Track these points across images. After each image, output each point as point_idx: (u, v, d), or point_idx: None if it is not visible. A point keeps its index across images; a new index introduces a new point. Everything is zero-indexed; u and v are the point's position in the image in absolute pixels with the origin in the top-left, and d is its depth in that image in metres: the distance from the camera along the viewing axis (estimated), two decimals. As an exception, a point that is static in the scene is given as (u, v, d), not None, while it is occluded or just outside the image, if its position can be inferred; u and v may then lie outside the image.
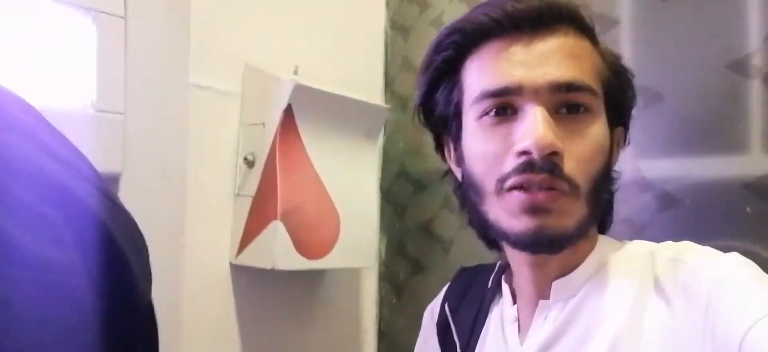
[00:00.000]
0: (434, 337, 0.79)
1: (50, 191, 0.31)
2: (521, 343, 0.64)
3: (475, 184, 0.61)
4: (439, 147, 0.71)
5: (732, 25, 0.91)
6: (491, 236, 0.65)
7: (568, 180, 0.56)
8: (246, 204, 1.07)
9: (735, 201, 0.89)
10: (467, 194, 0.64)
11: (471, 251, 1.19)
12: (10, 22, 0.81)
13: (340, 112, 1.12)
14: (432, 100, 0.67)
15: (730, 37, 0.91)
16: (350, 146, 1.15)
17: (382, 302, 1.33)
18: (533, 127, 0.55)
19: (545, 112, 0.56)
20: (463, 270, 0.81)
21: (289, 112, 1.03)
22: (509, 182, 0.57)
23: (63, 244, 0.30)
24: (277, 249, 1.01)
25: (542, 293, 0.64)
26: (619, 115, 0.64)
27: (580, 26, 0.61)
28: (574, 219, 0.57)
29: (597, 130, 0.59)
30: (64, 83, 0.86)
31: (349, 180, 1.14)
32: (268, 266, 1.01)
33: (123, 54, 0.91)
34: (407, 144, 1.29)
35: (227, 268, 1.08)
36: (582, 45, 0.60)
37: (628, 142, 0.67)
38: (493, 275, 0.74)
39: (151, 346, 0.36)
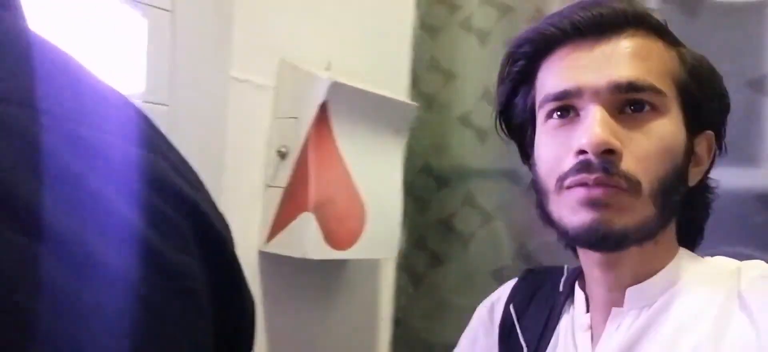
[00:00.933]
0: (491, 337, 0.78)
1: (180, 203, 0.34)
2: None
3: (540, 183, 0.63)
4: (524, 156, 0.72)
5: (753, 44, 0.95)
6: (558, 237, 0.65)
7: (626, 177, 0.56)
8: (277, 195, 1.11)
9: (745, 211, 0.93)
10: (537, 196, 0.65)
11: (490, 247, 1.23)
12: (65, 16, 0.84)
13: (371, 109, 1.15)
14: (511, 107, 0.69)
15: (750, 56, 0.95)
16: (379, 142, 1.19)
17: (400, 292, 1.37)
18: (589, 126, 0.56)
19: (603, 112, 0.57)
20: (529, 271, 0.80)
21: (323, 108, 1.07)
22: (568, 181, 0.58)
23: (191, 253, 0.33)
24: (308, 239, 1.05)
25: (615, 300, 0.63)
26: (701, 119, 0.63)
27: (650, 28, 0.61)
28: (634, 217, 0.57)
29: (663, 129, 0.58)
30: (113, 74, 0.90)
31: (376, 175, 1.18)
32: (299, 255, 1.05)
33: (170, 47, 0.94)
34: (431, 141, 1.33)
35: (256, 255, 1.12)
36: (650, 46, 0.60)
37: (725, 150, 0.66)
38: (564, 278, 0.73)
39: (251, 344, 0.40)
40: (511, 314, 0.75)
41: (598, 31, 0.60)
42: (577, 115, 0.59)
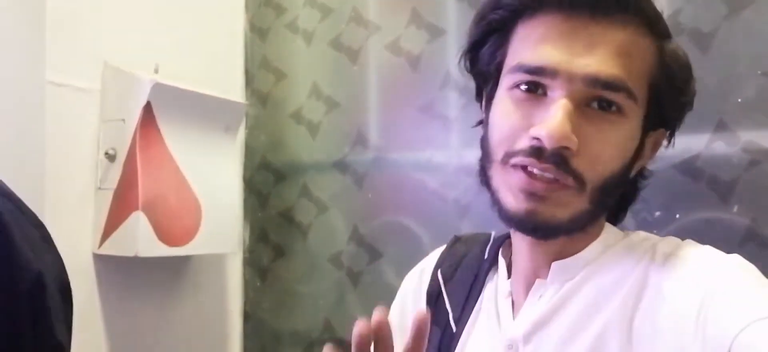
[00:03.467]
0: (420, 303, 0.76)
1: None
2: (514, 319, 0.64)
3: (487, 148, 0.62)
4: (479, 95, 0.69)
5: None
6: (492, 204, 0.64)
7: (575, 175, 0.56)
8: (107, 197, 1.12)
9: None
10: (482, 153, 0.64)
11: (327, 234, 1.31)
12: None
13: (199, 108, 1.19)
14: (478, 53, 0.65)
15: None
16: (210, 140, 1.23)
17: (247, 286, 1.42)
18: (552, 118, 0.54)
19: (569, 106, 0.55)
20: (458, 239, 0.78)
21: (148, 109, 1.10)
22: (515, 159, 0.57)
23: None
24: (139, 238, 1.07)
25: (539, 272, 0.63)
26: (661, 118, 0.62)
27: (644, 20, 0.57)
28: (569, 211, 0.57)
29: (623, 133, 0.57)
30: None
31: (210, 172, 1.22)
32: (131, 254, 1.07)
33: (-26, 52, 0.93)
34: (268, 137, 1.39)
35: (90, 258, 1.12)
36: (638, 43, 0.57)
37: (673, 145, 0.66)
38: (489, 246, 0.73)
39: (40, 310, 0.43)
40: (438, 281, 0.74)
41: (592, 8, 0.56)
42: (545, 94, 0.57)
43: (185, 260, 1.29)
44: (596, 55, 0.55)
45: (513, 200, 0.58)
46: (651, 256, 0.59)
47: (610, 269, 0.60)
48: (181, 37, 1.28)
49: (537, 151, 0.55)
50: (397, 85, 1.23)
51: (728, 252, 0.56)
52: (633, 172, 0.63)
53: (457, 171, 1.15)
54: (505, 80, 0.60)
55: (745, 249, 0.87)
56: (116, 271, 1.16)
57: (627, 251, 0.61)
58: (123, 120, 1.12)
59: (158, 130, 1.12)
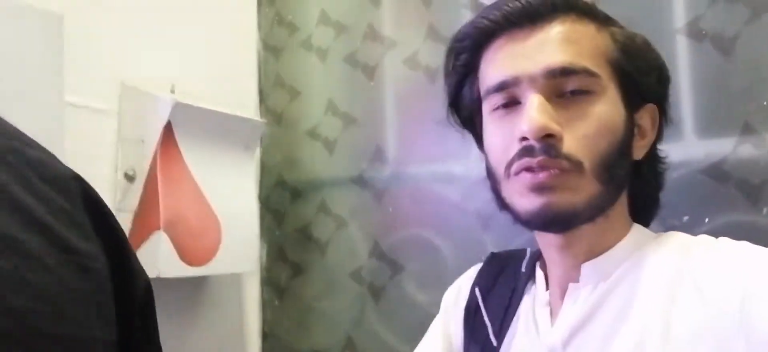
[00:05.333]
0: (457, 320, 0.79)
1: (86, 205, 0.42)
2: (552, 326, 0.66)
3: (492, 171, 0.66)
4: (480, 143, 0.73)
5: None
6: (513, 219, 0.66)
7: (568, 158, 0.59)
8: (127, 218, 1.11)
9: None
10: (491, 181, 0.67)
11: (346, 250, 1.30)
12: None
13: (218, 127, 1.19)
14: (460, 98, 0.71)
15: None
16: (229, 159, 1.22)
17: (265, 305, 1.40)
18: (527, 113, 0.59)
19: (541, 98, 0.59)
20: (494, 256, 0.81)
21: (168, 129, 1.09)
22: (514, 167, 0.61)
23: (93, 242, 0.41)
24: (160, 258, 1.06)
25: (572, 277, 0.65)
26: (640, 93, 0.65)
27: (580, 12, 0.63)
28: (581, 195, 0.59)
29: (601, 108, 0.60)
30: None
31: (229, 191, 1.22)
32: (153, 275, 1.06)
33: (-5, 75, 0.92)
34: (283, 156, 1.39)
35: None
36: (581, 30, 0.62)
37: (670, 121, 0.69)
38: (526, 260, 0.75)
39: (148, 315, 0.45)
40: (476, 296, 0.77)
41: (530, 20, 0.62)
42: (519, 104, 0.62)
43: (203, 280, 1.27)
44: (546, 51, 0.61)
45: (526, 202, 0.61)
46: (686, 252, 0.60)
47: (643, 267, 0.61)
48: (195, 57, 1.28)
49: (528, 150, 0.59)
50: (415, 99, 1.23)
51: None
52: (639, 154, 0.65)
53: (478, 183, 1.15)
54: (485, 108, 0.66)
55: (777, 251, 0.87)
56: (136, 293, 1.14)
57: (660, 249, 0.62)
58: (142, 140, 1.11)
59: (178, 150, 1.12)
